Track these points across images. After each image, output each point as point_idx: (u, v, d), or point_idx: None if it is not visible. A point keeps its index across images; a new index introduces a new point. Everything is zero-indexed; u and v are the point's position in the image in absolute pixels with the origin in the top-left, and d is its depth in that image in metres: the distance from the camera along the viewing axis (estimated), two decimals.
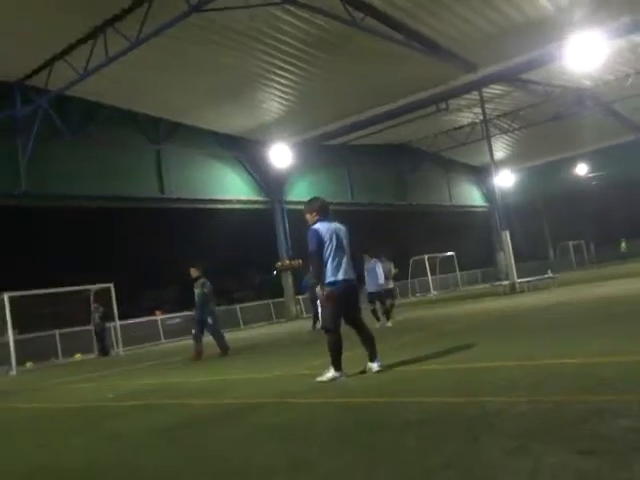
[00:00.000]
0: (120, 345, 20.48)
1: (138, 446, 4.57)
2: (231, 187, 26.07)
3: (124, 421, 5.92)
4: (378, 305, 13.73)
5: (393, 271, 14.61)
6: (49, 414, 7.40)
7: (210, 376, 9.01)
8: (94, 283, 20.49)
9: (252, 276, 52.53)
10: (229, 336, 20.62)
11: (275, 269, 28.69)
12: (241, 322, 26.19)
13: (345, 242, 6.47)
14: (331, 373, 6.19)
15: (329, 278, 6.24)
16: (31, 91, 18.62)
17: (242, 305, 27.74)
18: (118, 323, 20.70)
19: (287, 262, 27.24)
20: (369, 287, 13.40)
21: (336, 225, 6.55)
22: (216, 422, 5.11)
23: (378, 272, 13.24)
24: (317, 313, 16.12)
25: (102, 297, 20.46)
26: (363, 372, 6.38)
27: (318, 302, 14.71)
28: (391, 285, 14.37)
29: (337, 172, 30.07)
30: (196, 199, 24.80)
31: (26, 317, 18.91)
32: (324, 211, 6.63)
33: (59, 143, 19.65)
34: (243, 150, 26.14)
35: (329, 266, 6.27)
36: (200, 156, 24.60)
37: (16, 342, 18.64)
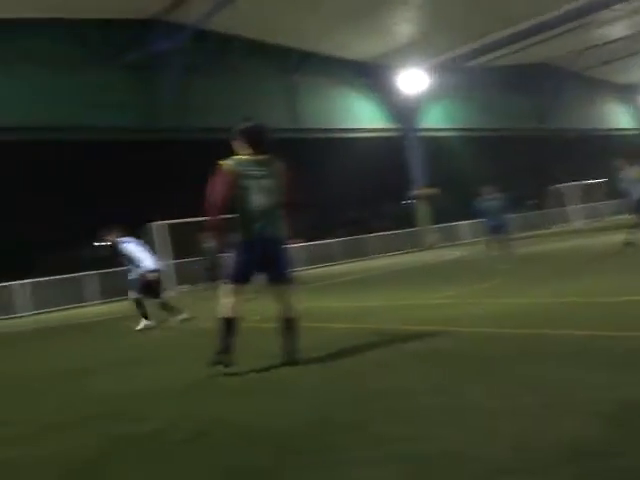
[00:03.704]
0: None
1: (286, 365, 4.83)
2: (362, 116, 25.88)
3: (270, 341, 6.26)
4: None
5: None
6: (202, 333, 7.97)
7: (346, 302, 9.27)
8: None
9: (385, 206, 52.39)
10: (360, 265, 20.93)
11: (411, 197, 28.44)
12: (374, 251, 26.40)
13: None
14: None
15: None
16: (169, 27, 19.27)
17: (374, 235, 27.88)
18: None
19: (424, 190, 26.90)
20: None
21: None
22: (354, 346, 5.27)
23: None
24: None
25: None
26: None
27: None
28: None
29: (473, 96, 28.60)
30: (327, 129, 24.96)
31: (180, 244, 20.22)
32: None
33: (196, 77, 20.39)
34: (373, 77, 25.70)
35: None
36: (330, 85, 24.55)
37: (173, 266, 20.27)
